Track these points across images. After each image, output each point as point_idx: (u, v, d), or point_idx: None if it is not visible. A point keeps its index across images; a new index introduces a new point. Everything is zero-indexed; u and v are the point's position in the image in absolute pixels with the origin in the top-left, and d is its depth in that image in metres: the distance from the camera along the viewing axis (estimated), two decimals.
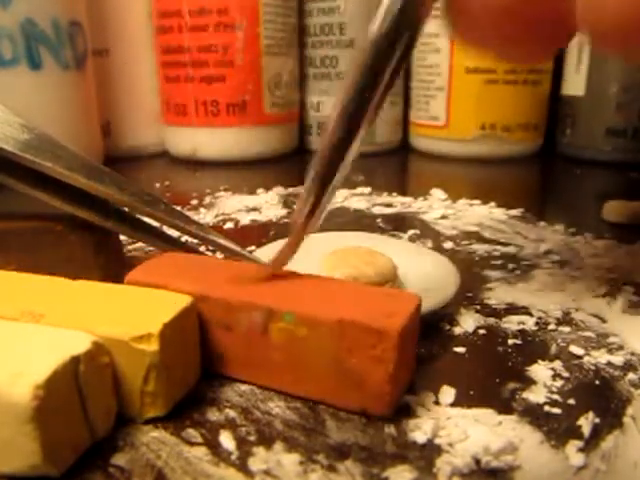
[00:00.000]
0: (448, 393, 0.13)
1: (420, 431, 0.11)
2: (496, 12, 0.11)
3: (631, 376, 0.13)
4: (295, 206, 0.13)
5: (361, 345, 0.11)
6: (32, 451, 0.09)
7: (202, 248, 0.21)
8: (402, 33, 0.12)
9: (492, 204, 0.29)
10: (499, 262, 0.21)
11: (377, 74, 0.12)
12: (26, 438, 0.09)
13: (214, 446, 0.11)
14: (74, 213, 0.18)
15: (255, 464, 0.10)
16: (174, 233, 0.20)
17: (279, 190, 0.33)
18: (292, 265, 0.18)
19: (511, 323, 0.16)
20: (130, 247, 0.22)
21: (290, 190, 0.33)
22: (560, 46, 0.13)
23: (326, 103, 0.46)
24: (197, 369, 0.13)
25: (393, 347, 0.11)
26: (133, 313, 0.12)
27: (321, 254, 0.17)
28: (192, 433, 0.11)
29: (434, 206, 0.29)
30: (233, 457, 0.11)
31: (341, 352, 0.12)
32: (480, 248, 0.23)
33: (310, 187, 0.13)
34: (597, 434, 0.11)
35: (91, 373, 0.10)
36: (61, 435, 0.10)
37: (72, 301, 0.12)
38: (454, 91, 0.42)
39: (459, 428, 0.11)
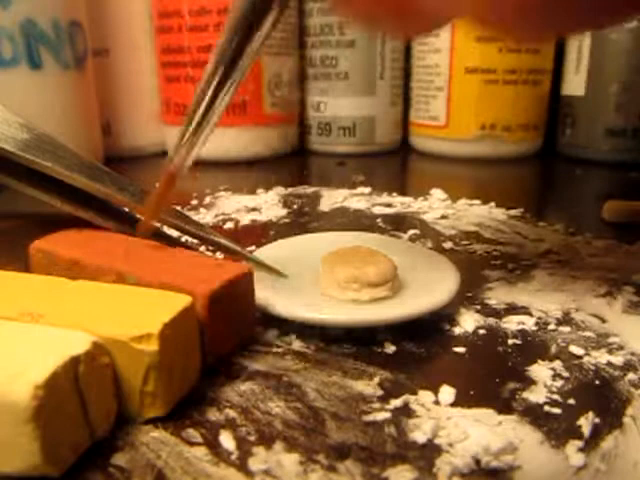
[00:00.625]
0: (448, 393, 0.13)
1: (420, 431, 0.11)
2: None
3: (631, 376, 0.13)
4: (172, 149, 0.15)
5: None
6: (32, 451, 0.09)
7: (202, 248, 0.21)
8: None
9: (492, 204, 0.29)
10: (499, 262, 0.21)
11: (242, 37, 0.13)
12: (26, 438, 0.09)
13: (214, 446, 0.11)
14: (74, 213, 0.18)
15: (255, 464, 0.10)
16: (174, 233, 0.20)
17: (279, 190, 0.33)
18: (292, 264, 0.18)
19: (511, 323, 0.16)
20: None
21: (290, 190, 0.33)
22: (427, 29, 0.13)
23: (326, 103, 0.46)
24: (197, 369, 0.13)
25: (202, 307, 0.13)
26: (133, 313, 0.12)
27: (321, 254, 0.17)
28: (192, 433, 0.11)
29: (434, 206, 0.29)
30: (233, 457, 0.11)
31: None
32: (480, 248, 0.23)
33: (185, 129, 0.14)
34: (597, 434, 0.11)
35: (91, 373, 0.10)
36: (61, 435, 0.10)
37: (71, 301, 0.12)
38: (454, 91, 0.42)
39: (459, 428, 0.11)
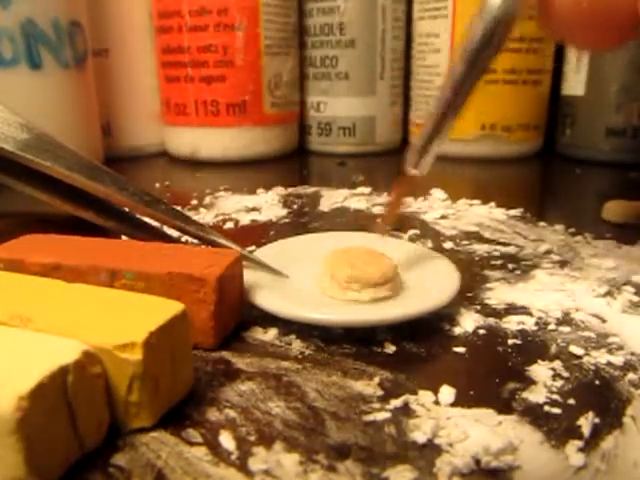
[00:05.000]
0: (448, 393, 0.13)
1: (420, 431, 0.11)
2: (579, 19, 0.14)
3: (631, 376, 0.13)
4: (407, 155, 0.17)
5: (187, 291, 0.14)
6: (16, 463, 0.09)
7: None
8: (500, 32, 0.14)
9: (492, 204, 0.29)
10: (499, 262, 0.21)
11: (475, 64, 0.15)
12: (9, 450, 0.09)
13: (214, 446, 0.11)
14: (74, 213, 0.18)
15: (255, 464, 0.10)
16: (174, 233, 0.20)
17: (279, 190, 0.33)
18: (292, 264, 0.18)
19: (511, 323, 0.16)
20: None
21: (290, 190, 0.33)
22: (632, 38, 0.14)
23: (326, 103, 0.46)
24: (189, 378, 0.12)
25: (212, 290, 0.14)
26: (121, 319, 0.11)
27: (321, 254, 0.17)
28: (192, 433, 0.11)
29: (434, 206, 0.29)
30: (233, 457, 0.11)
31: (172, 299, 0.13)
32: (480, 248, 0.23)
33: (419, 141, 0.16)
34: (597, 434, 0.11)
35: (81, 384, 0.10)
36: (48, 448, 0.10)
37: (61, 305, 0.12)
38: None
39: (459, 428, 0.11)
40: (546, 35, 0.16)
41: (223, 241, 0.18)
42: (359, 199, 0.31)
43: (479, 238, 0.24)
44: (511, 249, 0.23)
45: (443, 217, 0.28)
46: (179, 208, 0.19)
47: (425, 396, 0.13)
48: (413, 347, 0.15)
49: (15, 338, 0.11)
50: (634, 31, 0.14)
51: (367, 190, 0.33)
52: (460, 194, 0.31)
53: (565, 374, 0.14)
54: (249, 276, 0.16)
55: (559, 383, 0.13)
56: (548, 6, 0.14)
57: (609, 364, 0.14)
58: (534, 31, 0.39)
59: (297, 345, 0.15)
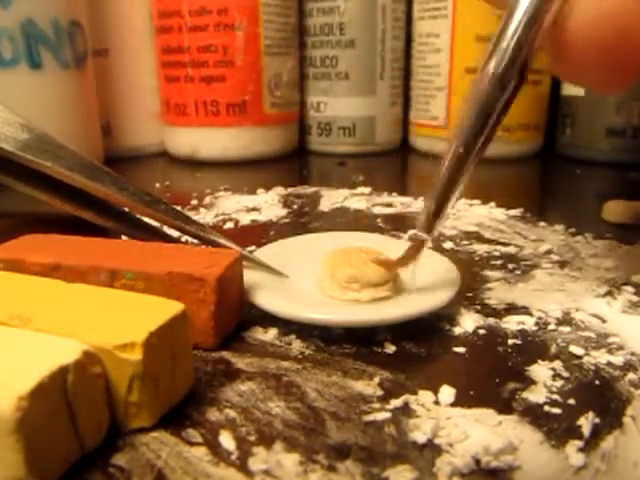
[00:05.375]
0: (448, 393, 0.13)
1: (420, 431, 0.11)
2: (596, 64, 0.13)
3: (631, 376, 0.13)
4: (419, 218, 0.15)
5: (187, 291, 0.14)
6: (16, 463, 0.09)
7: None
8: (514, 75, 0.13)
9: (492, 204, 0.29)
10: (499, 262, 0.21)
11: (490, 112, 0.13)
12: (9, 450, 0.09)
13: (214, 446, 0.11)
14: (74, 213, 0.18)
15: (255, 464, 0.10)
16: (174, 233, 0.20)
17: (279, 190, 0.33)
18: (292, 264, 0.18)
19: (511, 323, 0.16)
20: None
21: (290, 190, 0.33)
22: None
23: (326, 103, 0.46)
24: (189, 378, 0.12)
25: (212, 290, 0.14)
26: (121, 319, 0.11)
27: (321, 254, 0.17)
28: (192, 433, 0.11)
29: None
30: (233, 457, 0.11)
31: (172, 299, 0.13)
32: (480, 248, 0.23)
33: (431, 204, 0.15)
34: (597, 434, 0.11)
35: (81, 384, 0.10)
36: (48, 447, 0.10)
37: (61, 305, 0.12)
38: (454, 91, 0.42)
39: (459, 428, 0.11)
40: (558, 76, 0.15)
41: (223, 241, 0.18)
42: (359, 199, 0.31)
43: (479, 238, 0.24)
44: (511, 249, 0.23)
45: None
46: (179, 208, 0.19)
47: (425, 396, 0.13)
48: (413, 347, 0.15)
49: (15, 338, 0.11)
50: None
51: (367, 190, 0.33)
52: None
53: (565, 374, 0.14)
54: (249, 276, 0.16)
55: (559, 383, 0.13)
56: (563, 47, 0.13)
57: (609, 364, 0.14)
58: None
59: (297, 345, 0.15)
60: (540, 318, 0.16)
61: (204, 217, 0.28)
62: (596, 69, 0.13)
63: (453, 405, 0.12)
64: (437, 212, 0.15)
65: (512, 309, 0.17)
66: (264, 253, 0.19)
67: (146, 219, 0.18)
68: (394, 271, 0.16)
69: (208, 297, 0.14)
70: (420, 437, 0.11)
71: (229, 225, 0.26)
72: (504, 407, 0.12)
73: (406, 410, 0.12)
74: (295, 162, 0.45)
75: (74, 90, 0.36)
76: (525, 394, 0.13)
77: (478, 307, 0.17)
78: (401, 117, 0.48)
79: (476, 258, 0.22)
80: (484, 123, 0.14)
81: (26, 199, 0.18)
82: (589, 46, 0.12)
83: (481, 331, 0.16)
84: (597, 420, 0.12)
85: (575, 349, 0.15)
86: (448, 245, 0.23)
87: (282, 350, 0.15)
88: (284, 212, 0.29)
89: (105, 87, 0.43)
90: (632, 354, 0.14)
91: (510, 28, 0.13)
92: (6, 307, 0.12)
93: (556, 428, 0.12)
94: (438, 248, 0.23)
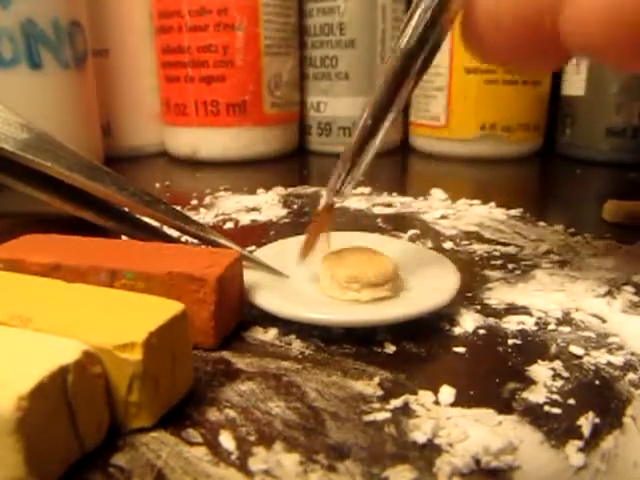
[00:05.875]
0: (448, 393, 0.13)
1: (420, 431, 0.11)
2: (503, 39, 0.14)
3: (631, 376, 0.13)
4: (330, 178, 0.17)
5: (187, 291, 0.14)
6: (16, 463, 0.09)
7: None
8: (425, 47, 0.14)
9: (492, 204, 0.29)
10: (499, 262, 0.21)
11: (402, 79, 0.15)
12: (9, 450, 0.09)
13: (214, 446, 0.11)
14: (74, 213, 0.18)
15: (255, 464, 0.10)
16: (174, 233, 0.20)
17: (279, 190, 0.33)
18: (292, 264, 0.18)
19: (511, 323, 0.16)
20: None
21: (290, 190, 0.33)
22: (560, 64, 0.15)
23: (326, 103, 0.46)
24: (189, 378, 0.12)
25: (212, 290, 0.14)
26: (121, 319, 0.11)
27: (321, 254, 0.17)
28: (192, 433, 0.11)
29: (434, 206, 0.29)
30: (233, 457, 0.11)
31: (172, 299, 0.13)
32: (480, 248, 0.23)
33: (344, 162, 0.16)
34: (597, 434, 0.11)
35: (81, 384, 0.10)
36: (48, 447, 0.10)
37: (61, 305, 0.12)
38: (454, 91, 0.42)
39: (459, 428, 0.11)
40: (472, 55, 0.16)
41: (223, 241, 0.18)
42: (359, 199, 0.31)
43: (479, 238, 0.24)
44: (511, 249, 0.23)
45: (443, 217, 0.28)
46: (179, 208, 0.19)
47: (425, 396, 0.13)
48: (413, 347, 0.15)
49: (15, 338, 0.11)
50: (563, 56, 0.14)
51: (367, 190, 0.33)
52: (460, 194, 0.31)
53: (565, 374, 0.14)
54: (249, 276, 0.16)
55: (559, 383, 0.13)
56: (470, 15, 0.14)
57: (609, 364, 0.14)
58: None
59: (297, 345, 0.15)
60: (540, 318, 0.16)
61: (204, 217, 0.28)
62: (503, 56, 0.14)
63: (453, 405, 0.12)
64: (346, 177, 0.16)
65: (512, 309, 0.17)
66: (264, 253, 0.19)
67: (146, 219, 0.18)
68: (311, 242, 0.17)
69: (208, 297, 0.14)
70: (420, 437, 0.11)
71: (229, 225, 0.26)
72: (504, 407, 0.12)
73: (406, 410, 0.12)
74: (295, 162, 0.45)
75: (74, 90, 0.36)
76: (525, 394, 0.13)
77: (478, 307, 0.17)
78: (401, 117, 0.48)
79: (476, 258, 0.22)
80: (394, 94, 0.15)
81: (26, 199, 0.18)
82: (491, 36, 0.14)
83: (481, 331, 0.16)
84: (597, 420, 0.12)
85: (575, 349, 0.15)
86: (448, 245, 0.23)
87: (282, 350, 0.15)
88: (284, 212, 0.29)
89: (105, 87, 0.43)
90: (632, 354, 0.14)
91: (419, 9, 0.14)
92: (6, 307, 0.12)
93: (556, 428, 0.12)
94: (438, 248, 0.23)
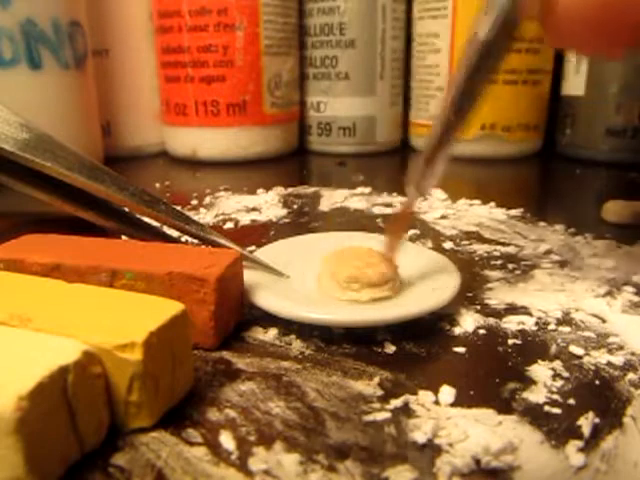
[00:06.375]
0: (448, 393, 0.13)
1: (420, 431, 0.11)
2: (582, 29, 0.14)
3: (631, 376, 0.13)
4: (410, 172, 0.16)
5: (187, 291, 0.14)
6: (15, 463, 0.09)
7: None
8: (503, 38, 0.14)
9: (492, 204, 0.29)
10: (499, 262, 0.21)
11: (481, 71, 0.15)
12: (9, 450, 0.09)
13: (214, 446, 0.11)
14: (74, 213, 0.18)
15: (255, 464, 0.10)
16: (174, 233, 0.20)
17: (279, 190, 0.33)
18: (292, 264, 0.18)
19: (511, 323, 0.16)
20: None
21: (290, 190, 0.33)
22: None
23: (326, 103, 0.46)
24: (189, 378, 0.12)
25: (212, 290, 0.14)
26: (121, 319, 0.11)
27: (321, 254, 0.17)
28: (192, 433, 0.11)
29: (434, 206, 0.29)
30: (233, 457, 0.11)
31: (172, 299, 0.13)
32: (480, 248, 0.23)
33: (426, 159, 0.16)
34: (597, 434, 0.11)
35: (81, 384, 0.10)
36: (48, 447, 0.10)
37: (61, 305, 0.12)
38: None
39: (459, 428, 0.11)
40: (547, 42, 0.16)
41: (223, 241, 0.18)
42: (359, 199, 0.31)
43: (479, 238, 0.24)
44: (511, 249, 0.23)
45: (443, 217, 0.28)
46: (179, 208, 0.19)
47: (425, 396, 0.13)
48: (413, 347, 0.15)
49: (15, 338, 0.11)
50: None
51: (367, 190, 0.33)
52: (460, 194, 0.31)
53: (565, 374, 0.14)
54: (249, 276, 0.16)
55: (559, 383, 0.13)
56: (551, 11, 0.14)
57: (609, 364, 0.14)
58: (534, 31, 0.39)
59: (297, 345, 0.15)
60: (540, 318, 0.16)
61: (204, 217, 0.28)
62: (586, 32, 0.14)
63: (453, 405, 0.12)
64: (429, 172, 0.16)
65: (512, 309, 0.17)
66: (264, 253, 0.19)
67: (146, 219, 0.18)
68: (394, 244, 0.17)
69: (208, 297, 0.14)
70: (420, 437, 0.11)
71: (229, 225, 0.26)
72: (504, 407, 0.12)
73: (406, 410, 0.12)
74: (295, 162, 0.45)
75: (74, 90, 0.36)
76: (525, 394, 0.13)
77: (478, 307, 0.17)
78: (401, 117, 0.48)
79: (476, 258, 0.22)
80: (473, 85, 0.15)
81: (26, 199, 0.18)
82: (574, 7, 0.13)
83: (481, 331, 0.16)
84: (597, 420, 0.12)
85: (575, 349, 0.15)
86: (448, 245, 0.23)
87: (282, 350, 0.15)
88: (284, 212, 0.29)
89: (105, 87, 0.43)
90: (632, 354, 0.14)
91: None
92: (6, 307, 0.12)
93: (556, 428, 0.12)
94: (438, 248, 0.23)
